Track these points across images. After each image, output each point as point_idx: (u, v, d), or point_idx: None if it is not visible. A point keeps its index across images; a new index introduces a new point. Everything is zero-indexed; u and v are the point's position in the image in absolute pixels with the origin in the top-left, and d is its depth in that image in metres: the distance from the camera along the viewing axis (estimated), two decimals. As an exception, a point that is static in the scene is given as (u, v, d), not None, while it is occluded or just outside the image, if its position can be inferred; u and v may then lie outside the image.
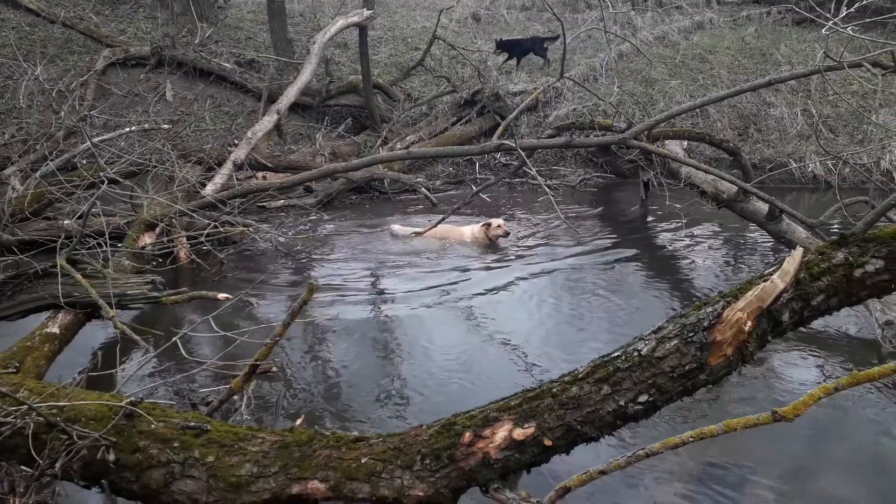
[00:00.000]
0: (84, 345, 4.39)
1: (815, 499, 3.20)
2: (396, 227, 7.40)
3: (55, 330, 3.88)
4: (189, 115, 10.65)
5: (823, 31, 3.61)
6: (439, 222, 6.24)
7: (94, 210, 4.71)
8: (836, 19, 3.43)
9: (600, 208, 8.69)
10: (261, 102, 10.71)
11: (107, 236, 4.62)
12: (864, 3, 3.94)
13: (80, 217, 4.70)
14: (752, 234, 7.28)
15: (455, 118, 11.00)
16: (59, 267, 3.95)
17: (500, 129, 5.94)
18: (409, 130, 10.71)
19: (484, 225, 7.06)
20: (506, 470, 2.37)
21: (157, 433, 2.46)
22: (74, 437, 2.40)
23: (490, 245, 7.02)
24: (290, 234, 7.13)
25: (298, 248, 6.96)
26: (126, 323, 3.88)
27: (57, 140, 8.60)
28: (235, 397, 3.35)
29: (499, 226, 6.99)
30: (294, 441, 2.44)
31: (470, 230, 7.17)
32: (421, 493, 2.31)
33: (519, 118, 10.45)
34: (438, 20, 11.95)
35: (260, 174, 8.12)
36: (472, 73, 11.66)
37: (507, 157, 10.36)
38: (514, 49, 12.26)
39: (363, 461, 2.35)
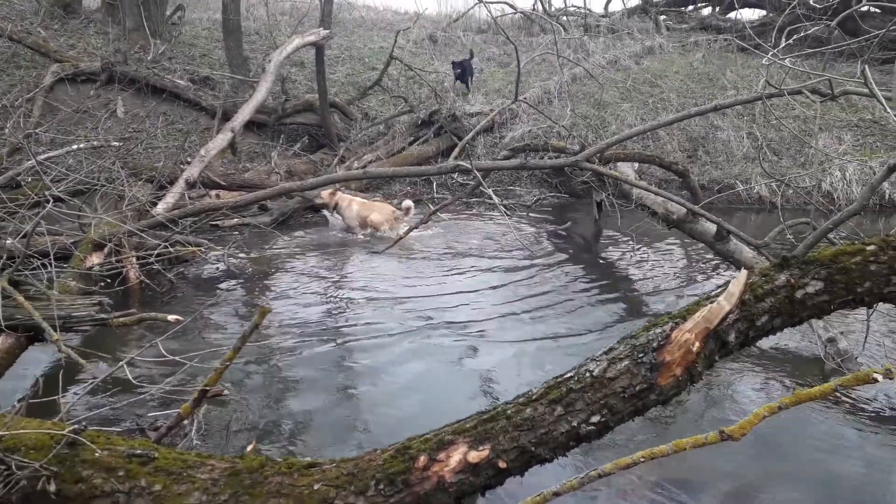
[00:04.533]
0: (25, 370, 4.23)
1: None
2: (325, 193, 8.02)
3: (-6, 354, 3.74)
4: (141, 133, 10.46)
5: (763, 61, 3.77)
6: (395, 244, 6.26)
7: (38, 229, 4.57)
8: (775, 50, 3.58)
9: (554, 227, 8.81)
10: (215, 120, 10.58)
11: (52, 256, 4.48)
12: (801, 34, 4.13)
13: (23, 237, 4.54)
14: (701, 254, 7.47)
15: (412, 138, 11.06)
16: (0, 289, 3.82)
17: (456, 150, 6.01)
18: (367, 149, 10.71)
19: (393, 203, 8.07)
20: (461, 494, 2.37)
21: (102, 462, 2.38)
22: (13, 467, 2.30)
23: (398, 221, 7.97)
24: (243, 254, 7.03)
25: (252, 268, 6.86)
26: (71, 346, 3.76)
27: (0, 157, 8.32)
28: (185, 422, 3.27)
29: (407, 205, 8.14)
30: (245, 468, 2.39)
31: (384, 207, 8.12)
32: (375, 519, 2.29)
33: (475, 139, 10.57)
34: (395, 41, 12.05)
35: (213, 192, 8.01)
36: (429, 93, 11.77)
37: (465, 177, 10.45)
38: (461, 71, 12.41)
39: (316, 487, 2.32)
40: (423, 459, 2.35)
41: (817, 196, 9.22)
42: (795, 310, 2.63)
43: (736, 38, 13.45)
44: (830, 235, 3.84)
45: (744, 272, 2.50)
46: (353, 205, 8.16)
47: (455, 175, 10.48)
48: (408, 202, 8.27)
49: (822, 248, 2.78)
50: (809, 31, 5.22)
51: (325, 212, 8.37)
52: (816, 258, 2.67)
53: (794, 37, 4.12)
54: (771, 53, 3.50)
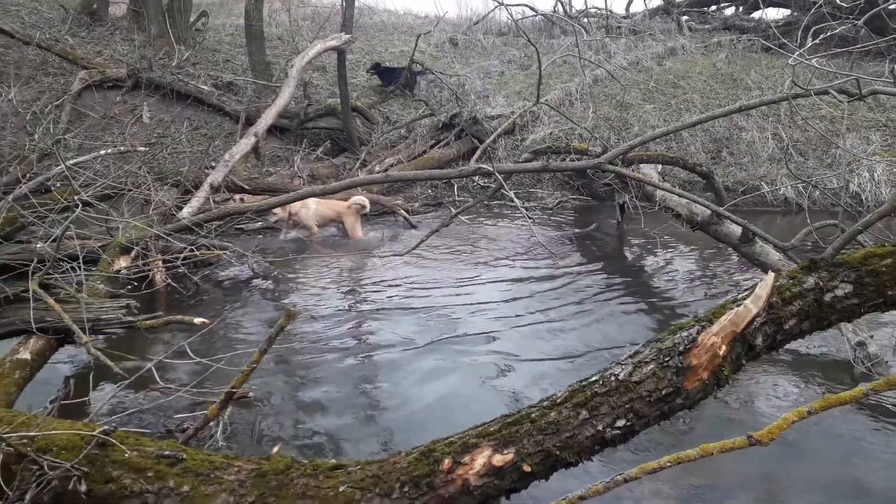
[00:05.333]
0: (56, 371, 4.31)
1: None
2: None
3: (26, 356, 3.80)
4: (166, 138, 10.61)
5: (790, 61, 3.72)
6: (416, 246, 6.28)
7: (68, 233, 4.64)
8: (801, 49, 3.54)
9: (577, 230, 8.77)
10: (238, 125, 10.70)
11: (81, 260, 4.56)
12: (828, 34, 4.07)
13: (53, 240, 4.62)
14: (726, 257, 7.39)
15: (433, 141, 11.09)
16: (31, 291, 3.89)
17: (477, 153, 6.01)
18: (388, 153, 10.75)
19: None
20: (485, 497, 2.36)
21: (131, 462, 2.41)
22: (45, 467, 2.35)
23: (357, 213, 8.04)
24: (267, 258, 7.08)
25: (276, 271, 6.92)
26: (100, 348, 3.82)
27: (30, 162, 8.49)
28: (211, 424, 3.31)
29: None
30: (271, 469, 2.41)
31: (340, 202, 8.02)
32: (400, 522, 2.29)
33: (496, 141, 10.56)
34: (416, 45, 12.09)
35: (237, 197, 8.09)
36: (450, 96, 11.78)
37: (485, 180, 10.45)
38: (387, 76, 12.50)
39: (341, 489, 2.33)
40: (447, 462, 2.35)
41: (845, 197, 9.06)
42: (824, 313, 2.59)
43: (760, 38, 13.28)
44: (859, 238, 3.78)
45: (771, 275, 2.46)
46: (310, 204, 8.02)
47: (476, 178, 10.48)
48: (359, 198, 8.15)
49: (852, 251, 2.73)
50: (836, 31, 5.15)
51: (279, 224, 8.13)
52: (846, 260, 2.63)
53: (821, 36, 4.07)
54: (798, 53, 3.46)
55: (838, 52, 5.05)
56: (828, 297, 2.57)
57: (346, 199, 8.09)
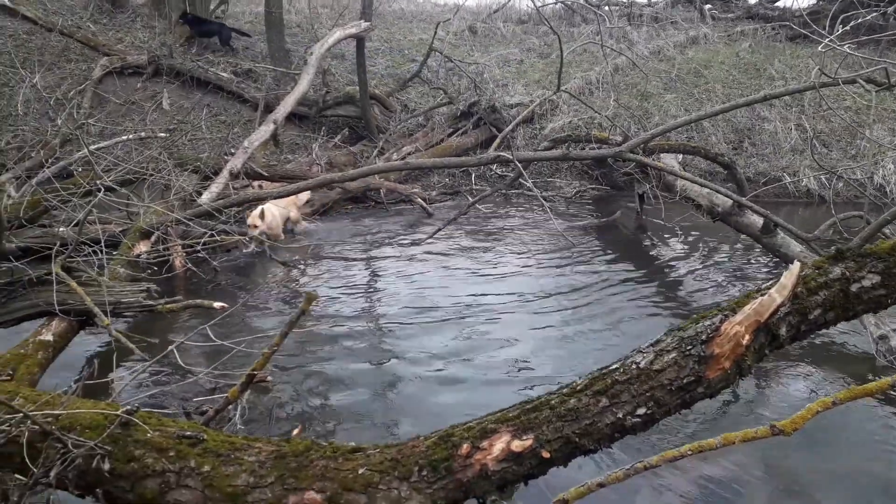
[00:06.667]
0: (78, 353, 4.37)
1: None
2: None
3: (49, 338, 3.86)
4: (185, 124, 10.66)
5: (820, 48, 3.65)
6: (434, 234, 6.26)
7: (90, 218, 4.69)
8: (831, 37, 3.47)
9: (596, 220, 8.71)
10: (257, 112, 10.74)
11: (102, 244, 4.61)
12: (858, 21, 3.99)
13: (75, 225, 4.68)
14: (747, 248, 7.31)
15: (451, 129, 11.05)
16: (54, 274, 3.93)
17: (497, 141, 5.99)
18: (406, 141, 10.74)
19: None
20: (503, 482, 2.36)
21: (153, 442, 2.44)
22: (69, 445, 2.38)
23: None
24: (285, 244, 7.12)
25: (295, 257, 6.95)
26: (121, 331, 3.87)
27: (53, 147, 8.59)
28: (230, 407, 3.34)
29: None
30: (290, 451, 2.42)
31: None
32: (418, 505, 2.30)
33: (515, 130, 10.50)
34: (435, 32, 12.02)
35: (256, 183, 8.12)
36: (469, 84, 11.72)
37: (503, 169, 10.41)
38: (198, 27, 12.40)
39: (360, 472, 2.34)
40: (466, 447, 2.35)
41: (870, 189, 8.93)
42: (850, 304, 2.55)
43: (789, 25, 13.05)
44: (886, 230, 3.72)
45: (797, 264, 2.43)
46: (273, 210, 7.18)
47: (493, 167, 10.44)
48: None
49: (880, 242, 2.68)
50: (864, 19, 5.05)
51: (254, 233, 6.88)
52: (873, 251, 2.58)
53: (850, 23, 3.98)
54: (828, 40, 3.39)
55: (866, 41, 4.94)
56: (854, 287, 2.52)
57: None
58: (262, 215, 6.75)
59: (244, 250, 6.80)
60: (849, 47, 3.47)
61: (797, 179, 9.86)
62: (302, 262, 6.86)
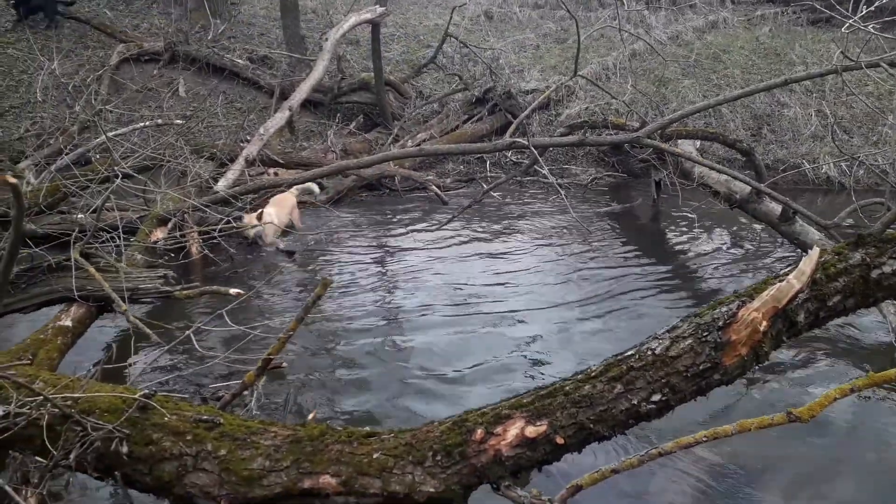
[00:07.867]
0: (96, 338, 4.42)
1: (830, 502, 3.17)
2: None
3: (68, 323, 3.91)
4: (202, 111, 10.69)
5: (843, 29, 3.57)
6: (448, 222, 6.24)
7: (107, 204, 4.73)
8: (854, 18, 3.39)
9: (612, 207, 8.65)
10: (273, 99, 10.73)
11: (120, 230, 4.65)
12: (883, 2, 3.90)
13: (94, 211, 4.72)
14: (764, 235, 7.23)
15: (466, 116, 10.97)
16: (72, 260, 3.98)
17: (512, 127, 5.93)
18: (421, 128, 10.69)
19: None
20: (517, 468, 2.37)
21: (171, 426, 2.47)
22: (89, 428, 2.41)
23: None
24: (300, 231, 7.14)
25: (310, 244, 6.97)
26: (138, 317, 3.90)
27: (71, 134, 8.65)
28: (245, 393, 3.36)
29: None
30: (306, 435, 2.44)
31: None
32: (432, 490, 2.31)
33: (531, 116, 10.42)
34: (451, 18, 11.91)
35: (271, 170, 8.14)
36: (484, 70, 11.63)
37: (518, 156, 10.34)
38: (24, 5, 11.57)
39: (375, 456, 2.35)
40: (479, 433, 2.36)
41: (892, 175, 8.78)
42: (870, 290, 2.52)
43: (814, 5, 12.76)
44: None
45: (816, 249, 2.39)
46: (273, 216, 6.65)
47: (508, 154, 10.37)
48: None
49: (901, 227, 2.64)
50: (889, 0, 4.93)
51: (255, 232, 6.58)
52: (894, 237, 2.54)
53: (874, 4, 3.90)
54: (852, 20, 3.32)
55: (890, 22, 4.82)
56: (875, 273, 2.49)
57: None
58: (259, 216, 6.46)
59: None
60: (873, 27, 3.39)
61: (817, 166, 9.71)
62: (318, 249, 6.87)
